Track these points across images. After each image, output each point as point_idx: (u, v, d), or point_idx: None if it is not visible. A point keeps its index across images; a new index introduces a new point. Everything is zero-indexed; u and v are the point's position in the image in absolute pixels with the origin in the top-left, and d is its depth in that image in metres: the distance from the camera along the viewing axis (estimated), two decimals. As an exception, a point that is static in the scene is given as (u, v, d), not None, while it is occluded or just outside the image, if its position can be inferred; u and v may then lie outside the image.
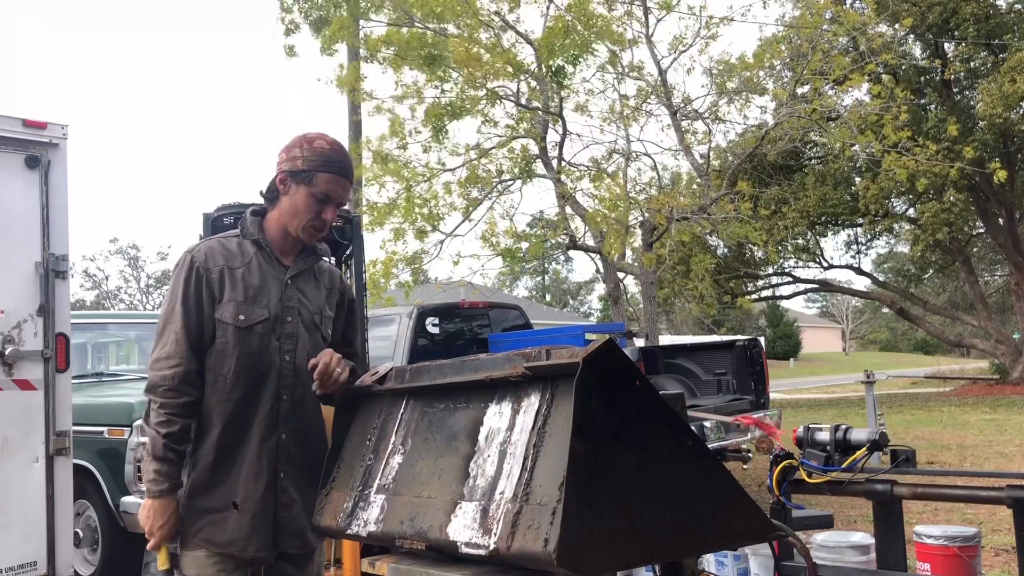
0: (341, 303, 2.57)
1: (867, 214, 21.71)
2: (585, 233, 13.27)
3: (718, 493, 1.77)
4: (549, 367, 1.74)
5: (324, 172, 2.35)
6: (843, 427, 3.02)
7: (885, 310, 47.72)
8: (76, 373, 5.30)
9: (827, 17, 13.66)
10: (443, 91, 12.46)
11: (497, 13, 12.57)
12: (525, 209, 41.06)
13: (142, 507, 2.31)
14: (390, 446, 2.15)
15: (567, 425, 1.59)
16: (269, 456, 2.35)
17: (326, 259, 2.59)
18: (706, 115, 14.31)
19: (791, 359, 52.26)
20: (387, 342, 8.31)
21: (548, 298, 59.54)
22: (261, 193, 2.45)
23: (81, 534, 5.74)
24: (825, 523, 3.47)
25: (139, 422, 5.39)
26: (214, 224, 5.01)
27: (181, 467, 2.31)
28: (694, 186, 14.70)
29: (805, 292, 29.44)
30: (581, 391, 1.59)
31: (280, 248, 2.44)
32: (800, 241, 24.41)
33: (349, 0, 12.47)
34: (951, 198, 19.56)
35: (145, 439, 2.33)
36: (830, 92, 13.74)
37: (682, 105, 14.12)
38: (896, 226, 25.38)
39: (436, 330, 8.87)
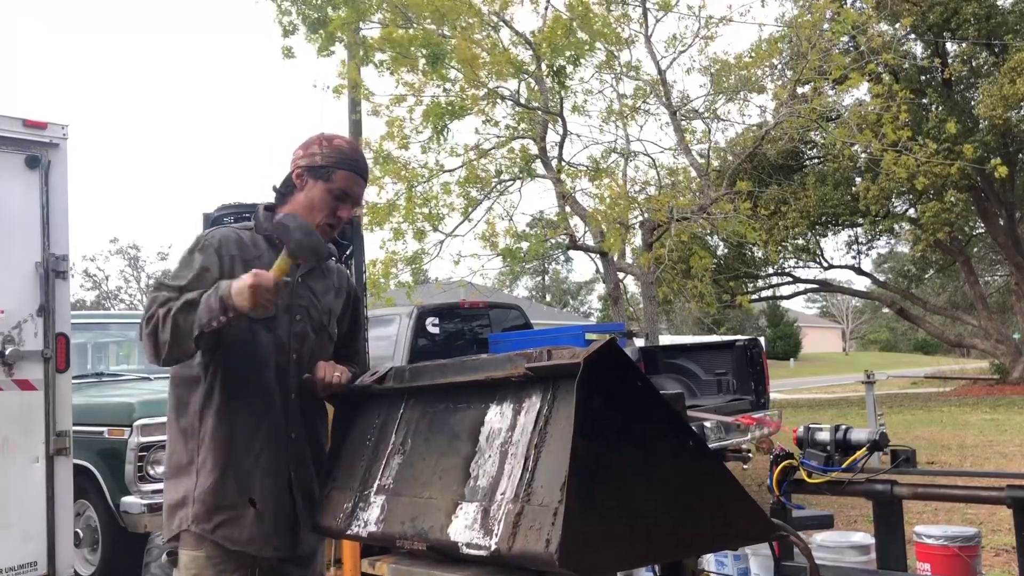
0: (347, 302, 2.56)
1: (867, 214, 21.70)
2: (585, 233, 13.26)
3: (719, 493, 1.77)
4: (550, 367, 1.74)
5: (343, 169, 2.34)
6: (843, 427, 3.02)
7: (885, 310, 47.73)
8: (76, 373, 5.29)
9: (827, 17, 13.64)
10: (444, 89, 12.43)
11: (496, 14, 12.54)
12: (525, 209, 41.09)
13: (236, 292, 2.07)
14: (390, 446, 2.14)
15: (569, 425, 1.59)
16: (282, 456, 2.31)
17: (333, 259, 2.57)
18: (705, 115, 14.31)
19: (791, 359, 52.20)
20: (387, 342, 8.31)
21: (548, 298, 59.47)
22: (274, 188, 2.41)
23: (81, 534, 5.73)
24: (825, 523, 3.47)
25: (139, 422, 5.40)
26: (214, 224, 5.00)
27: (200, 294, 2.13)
28: (692, 185, 14.67)
29: (805, 292, 29.44)
30: (583, 391, 1.59)
31: None
32: (800, 241, 24.40)
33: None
34: (951, 198, 19.56)
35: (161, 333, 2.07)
36: (830, 92, 13.72)
37: (681, 104, 14.11)
38: (896, 226, 25.37)
39: (436, 330, 8.86)
